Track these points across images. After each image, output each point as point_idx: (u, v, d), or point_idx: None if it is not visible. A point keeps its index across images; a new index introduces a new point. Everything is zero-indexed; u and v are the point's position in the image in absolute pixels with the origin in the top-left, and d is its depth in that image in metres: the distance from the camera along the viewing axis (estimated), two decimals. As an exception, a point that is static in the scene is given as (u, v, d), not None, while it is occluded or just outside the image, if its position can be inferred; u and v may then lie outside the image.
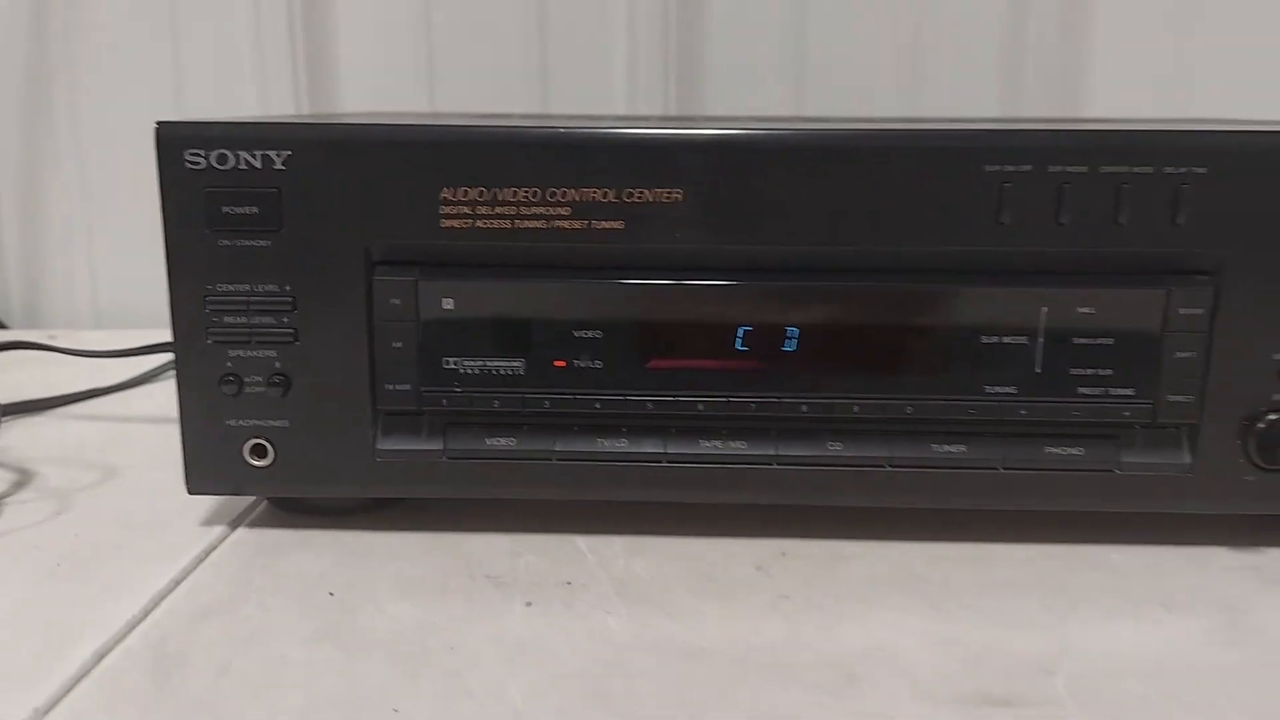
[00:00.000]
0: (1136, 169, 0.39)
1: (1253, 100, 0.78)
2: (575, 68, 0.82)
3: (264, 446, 0.44)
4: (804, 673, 0.35)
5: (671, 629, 0.38)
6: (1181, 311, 0.40)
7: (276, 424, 0.44)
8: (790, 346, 0.42)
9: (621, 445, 0.43)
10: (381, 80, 0.84)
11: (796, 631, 0.37)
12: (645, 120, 0.47)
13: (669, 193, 0.41)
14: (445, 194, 0.41)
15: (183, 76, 0.84)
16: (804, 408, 0.42)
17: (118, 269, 0.89)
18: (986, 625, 0.38)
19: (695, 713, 0.32)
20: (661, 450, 0.43)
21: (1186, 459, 0.42)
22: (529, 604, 0.39)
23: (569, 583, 0.41)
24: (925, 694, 0.34)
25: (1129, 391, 0.41)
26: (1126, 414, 0.42)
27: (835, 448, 0.43)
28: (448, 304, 0.42)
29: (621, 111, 0.82)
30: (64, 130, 0.86)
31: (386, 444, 0.44)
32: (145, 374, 0.70)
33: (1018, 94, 0.80)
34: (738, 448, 0.43)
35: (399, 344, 0.43)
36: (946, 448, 0.43)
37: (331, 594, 0.40)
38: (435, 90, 0.83)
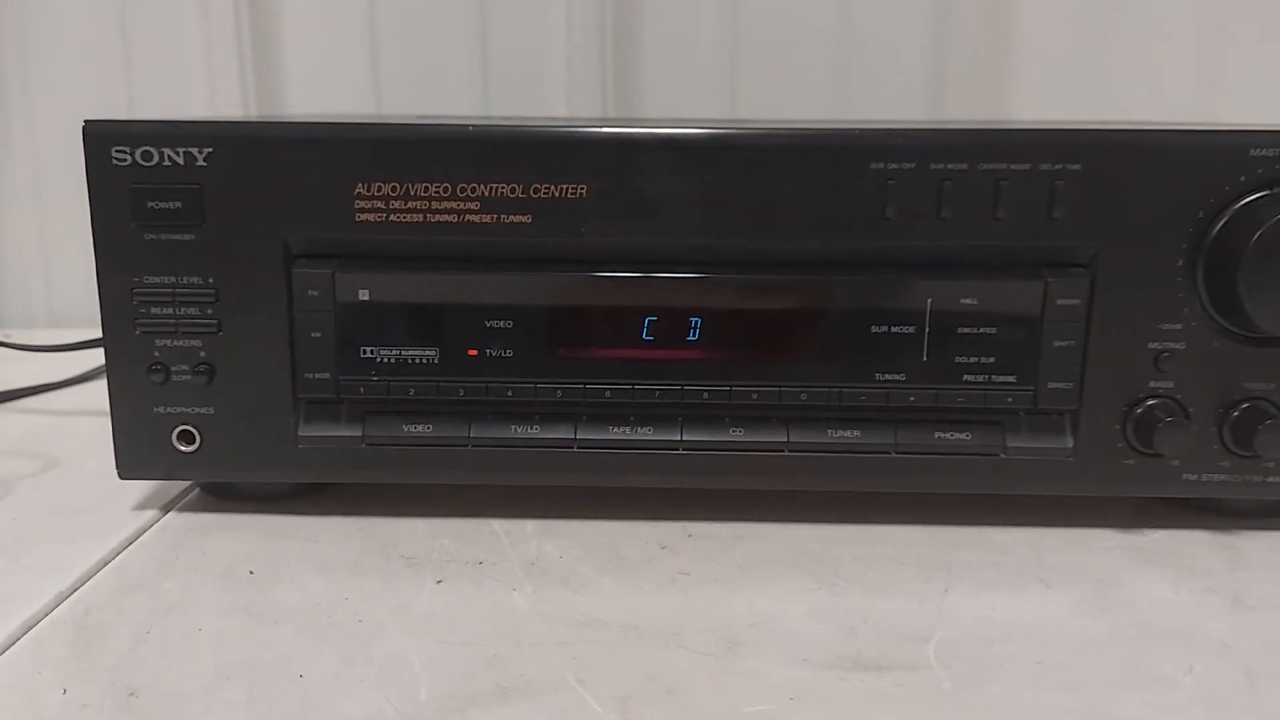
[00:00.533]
0: (1014, 166, 0.42)
1: (1170, 101, 0.82)
2: (515, 72, 0.84)
3: (191, 433, 0.45)
4: (692, 639, 0.37)
5: (572, 601, 0.39)
6: (1059, 302, 0.43)
7: (202, 411, 0.45)
8: (694, 336, 0.45)
9: (533, 431, 0.45)
10: (328, 83, 0.85)
11: (691, 603, 0.39)
12: (551, 120, 0.49)
13: (573, 188, 0.43)
14: (360, 189, 0.43)
15: (135, 80, 0.85)
16: (706, 394, 0.45)
17: (71, 269, 0.90)
18: (868, 597, 0.40)
19: (583, 673, 0.34)
20: (571, 436, 0.45)
21: (1069, 443, 0.45)
22: (439, 581, 0.41)
23: (480, 562, 0.43)
24: (803, 659, 0.36)
25: (1011, 379, 0.44)
26: (1010, 400, 0.44)
27: (737, 433, 0.45)
28: (364, 295, 0.44)
29: (561, 114, 0.84)
30: (18, 132, 0.87)
31: (308, 430, 0.46)
32: (93, 370, 0.71)
33: (943, 97, 0.83)
34: (644, 433, 0.45)
35: (318, 334, 0.44)
36: (841, 432, 0.45)
37: (251, 572, 0.42)
38: (381, 92, 0.85)
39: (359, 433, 0.45)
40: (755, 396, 0.44)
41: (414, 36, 0.84)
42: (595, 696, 0.33)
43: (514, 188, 0.43)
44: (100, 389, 0.70)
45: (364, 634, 0.37)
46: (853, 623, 0.38)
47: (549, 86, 0.84)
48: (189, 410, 0.45)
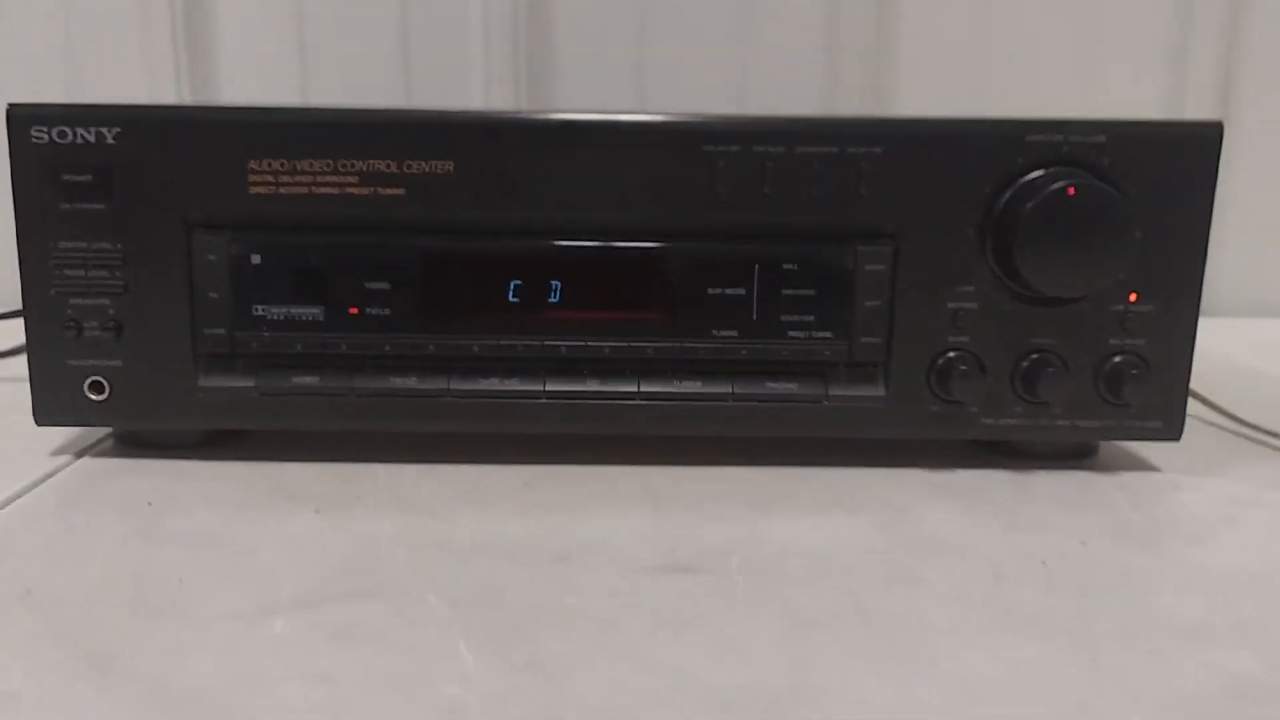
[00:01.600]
0: (825, 149, 0.48)
1: (1052, 92, 0.89)
2: (435, 66, 0.90)
3: (101, 383, 0.50)
4: (527, 555, 0.42)
5: (432, 527, 0.45)
6: (868, 267, 0.49)
7: (111, 364, 0.50)
8: (554, 298, 0.50)
9: (411, 383, 0.51)
10: (259, 75, 0.90)
11: (535, 529, 0.45)
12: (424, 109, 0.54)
13: (442, 165, 0.48)
14: (253, 165, 0.48)
15: (76, 73, 0.90)
16: (564, 349, 0.50)
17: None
18: (692, 523, 0.46)
19: (427, 580, 0.40)
20: (445, 387, 0.51)
21: (881, 391, 0.51)
22: (316, 511, 0.46)
23: (357, 497, 0.48)
24: (619, 567, 0.41)
25: (829, 334, 0.50)
26: (828, 353, 0.50)
27: (593, 383, 0.51)
28: (255, 259, 0.49)
29: (477, 105, 0.90)
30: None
31: (207, 381, 0.51)
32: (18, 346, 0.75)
33: (835, 86, 0.90)
34: (512, 384, 0.51)
35: (215, 294, 0.49)
36: (685, 383, 0.51)
37: (150, 504, 0.47)
38: (308, 84, 0.90)
39: (252, 383, 0.51)
40: (608, 351, 0.50)
41: (339, 37, 0.89)
42: (434, 596, 0.39)
43: (389, 164, 0.48)
44: (21, 362, 0.75)
45: (241, 550, 0.42)
46: (675, 542, 0.44)
47: (466, 82, 0.90)
48: (99, 363, 0.50)
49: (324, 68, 0.90)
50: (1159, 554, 0.44)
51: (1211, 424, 0.60)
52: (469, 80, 0.90)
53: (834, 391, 0.51)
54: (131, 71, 0.89)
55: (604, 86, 0.90)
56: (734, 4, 0.88)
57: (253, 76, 0.90)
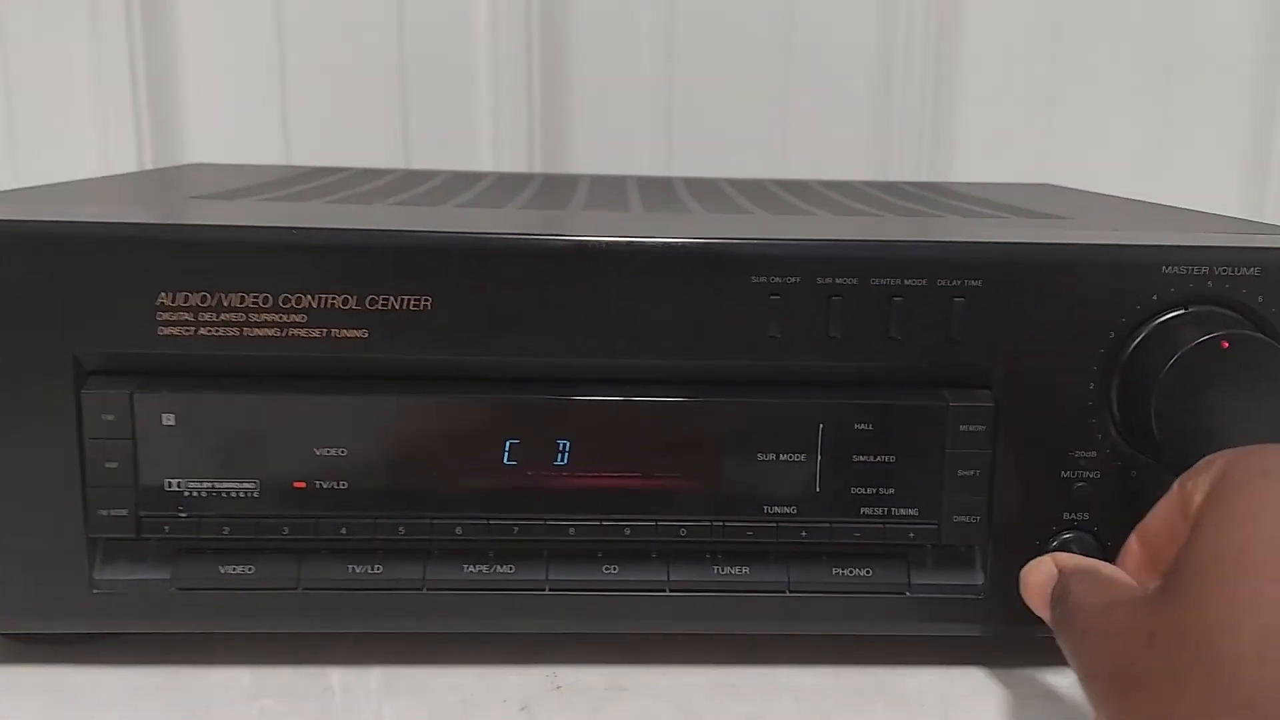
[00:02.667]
0: (908, 281, 0.37)
1: (1113, 163, 0.80)
2: (438, 120, 0.79)
3: (-35, 578, 0.39)
4: None
5: (401, 796, 0.34)
6: (962, 428, 0.38)
7: (-21, 553, 0.38)
8: (561, 461, 0.39)
9: (375, 572, 0.39)
10: (232, 138, 0.79)
11: (542, 794, 0.34)
12: (388, 224, 0.43)
13: (416, 300, 0.37)
14: (163, 299, 0.37)
15: (17, 130, 0.78)
16: (573, 530, 0.39)
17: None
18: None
19: None
20: (420, 576, 0.39)
21: (979, 580, 0.40)
22: (243, 768, 0.35)
23: (300, 735, 0.37)
24: None
25: (913, 511, 0.39)
26: (912, 535, 0.39)
27: (611, 571, 0.40)
28: (168, 420, 0.38)
29: (488, 167, 0.79)
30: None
31: (105, 574, 0.39)
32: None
33: (886, 150, 0.80)
34: (505, 572, 0.40)
35: (113, 464, 0.38)
36: (728, 570, 0.40)
37: (19, 758, 0.35)
38: (291, 144, 0.79)
39: (167, 575, 0.39)
40: (628, 531, 0.39)
41: (327, 89, 0.78)
42: None
43: (347, 299, 0.37)
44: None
45: None
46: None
47: (474, 138, 0.79)
48: (-38, 552, 0.38)
49: (310, 124, 0.79)
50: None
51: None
52: (476, 136, 0.79)
53: (919, 580, 0.40)
54: (82, 130, 0.78)
55: (626, 144, 0.79)
56: (770, 60, 0.78)
57: (225, 127, 0.79)
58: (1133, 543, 0.35)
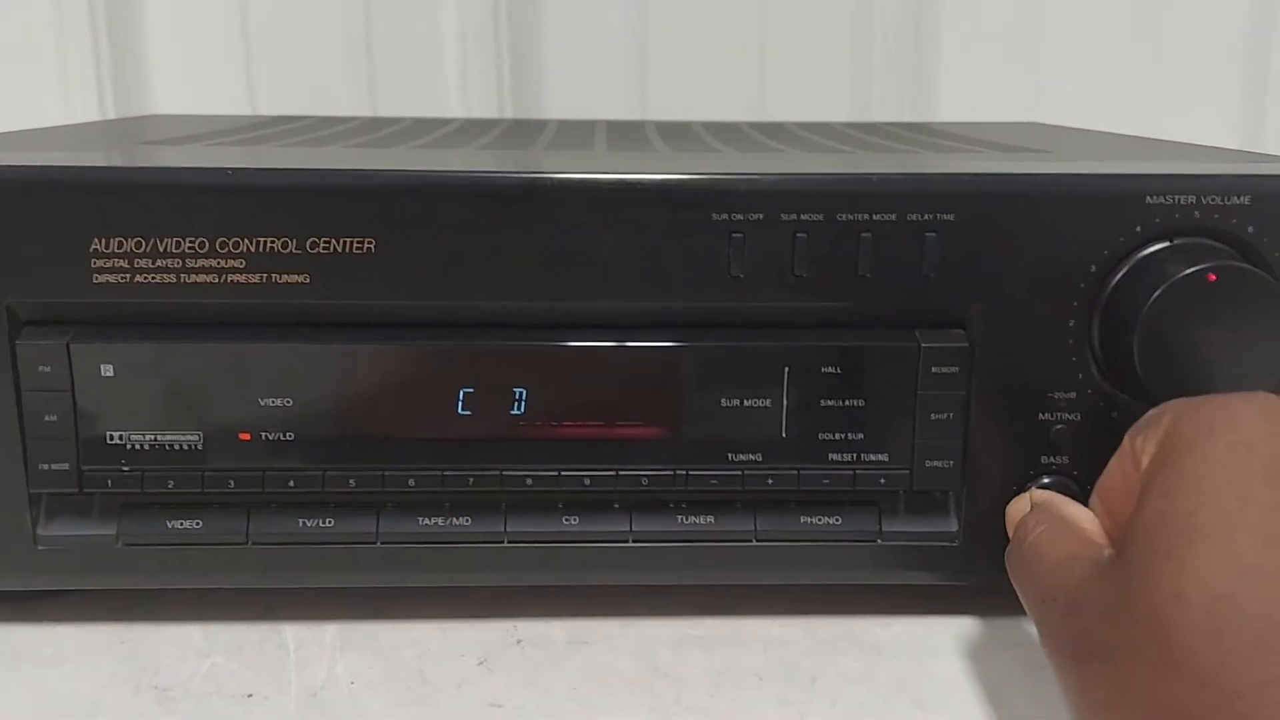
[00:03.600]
0: (877, 216, 0.35)
1: (1098, 100, 0.77)
2: (404, 68, 0.77)
3: (-96, 536, 0.37)
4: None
5: (348, 755, 0.33)
6: (935, 369, 0.37)
7: (-83, 510, 0.37)
8: (518, 410, 0.38)
9: (327, 526, 0.38)
10: (196, 82, 0.77)
11: (493, 752, 0.33)
12: (330, 164, 0.41)
13: (359, 242, 0.36)
14: (96, 245, 0.35)
15: None
16: (530, 480, 0.38)
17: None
18: (710, 736, 0.34)
19: None
20: (373, 530, 0.38)
21: (953, 527, 0.39)
22: (186, 729, 0.34)
23: (249, 695, 0.35)
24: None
25: (883, 457, 0.38)
26: (882, 481, 0.38)
27: (572, 522, 0.39)
28: (107, 370, 0.36)
29: (456, 114, 0.77)
30: None
31: (49, 530, 0.38)
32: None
33: (867, 85, 0.78)
34: (462, 524, 0.39)
35: (52, 417, 0.36)
36: (693, 519, 0.39)
37: (-41, 717, 0.34)
38: (256, 94, 0.77)
39: (113, 531, 0.38)
40: (588, 482, 0.38)
41: (292, 33, 0.76)
42: None
43: (286, 242, 0.35)
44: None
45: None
46: (684, 777, 0.32)
47: (441, 84, 0.77)
48: (-100, 509, 0.37)
49: (274, 70, 0.76)
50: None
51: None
52: (445, 84, 0.77)
53: (891, 527, 0.39)
54: (44, 75, 0.75)
55: (600, 90, 0.77)
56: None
57: (189, 78, 0.76)
58: (1095, 503, 0.34)
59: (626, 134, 0.57)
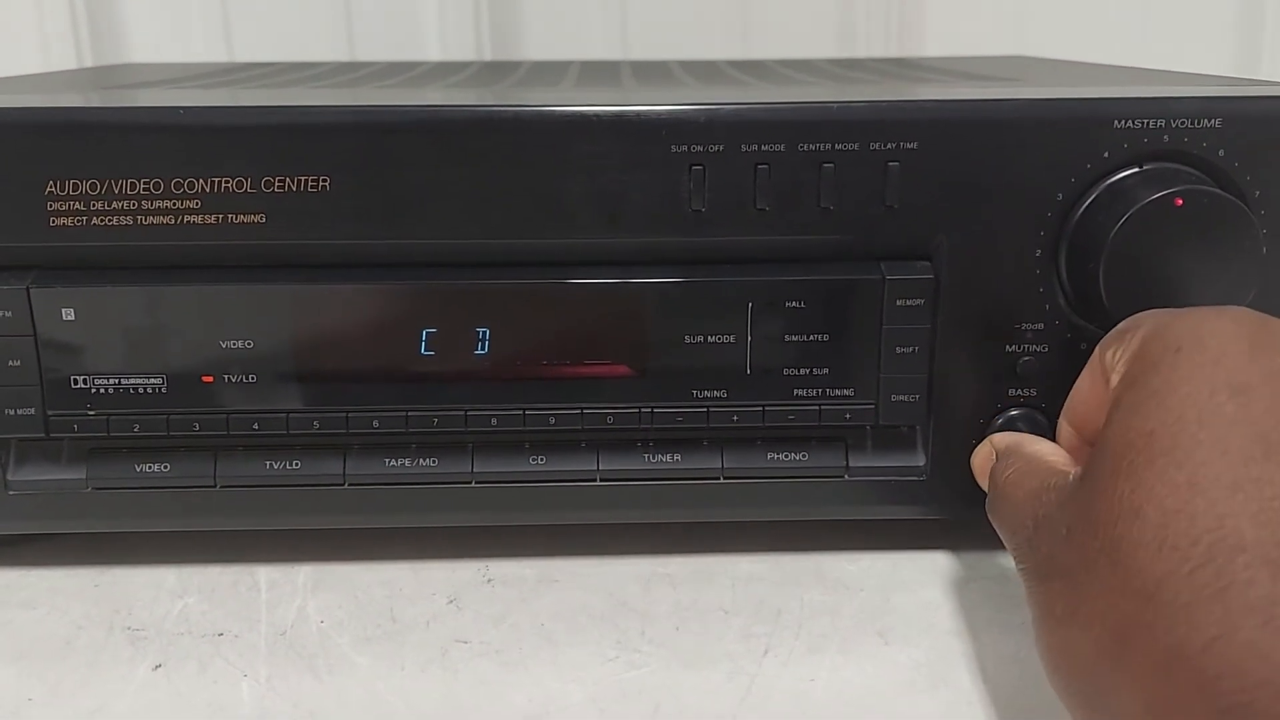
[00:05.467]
0: (839, 145, 0.35)
1: (1091, 35, 0.76)
2: (382, 13, 0.76)
3: (-124, 483, 0.38)
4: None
5: (310, 691, 0.33)
6: (899, 302, 0.36)
7: (-113, 457, 0.38)
8: (481, 350, 0.38)
9: (294, 468, 0.38)
10: (174, 32, 0.76)
11: (455, 691, 0.33)
12: (284, 100, 0.41)
13: (314, 180, 0.35)
14: (51, 188, 0.35)
15: None
16: (495, 420, 0.38)
17: None
18: (671, 670, 0.33)
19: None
20: (340, 471, 0.38)
21: (920, 461, 0.39)
22: (157, 666, 0.34)
23: (220, 634, 0.36)
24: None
25: (849, 391, 0.37)
26: (848, 416, 0.37)
27: (539, 462, 0.39)
28: (68, 314, 0.36)
29: (435, 57, 0.76)
30: None
31: (19, 475, 0.38)
32: None
33: (852, 22, 0.76)
34: (429, 465, 0.39)
35: (15, 362, 0.36)
36: (658, 458, 0.39)
37: (-68, 658, 0.35)
38: (233, 41, 0.76)
39: (82, 475, 0.38)
40: (553, 421, 0.38)
41: None
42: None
43: (241, 181, 0.35)
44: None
45: (40, 748, 0.30)
46: (641, 712, 0.32)
47: (419, 25, 0.75)
48: None
49: (251, 16, 0.75)
50: None
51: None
52: (422, 28, 0.76)
53: (858, 462, 0.39)
54: (20, 26, 0.74)
55: (580, 30, 0.76)
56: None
57: (166, 27, 0.76)
58: (1063, 425, 0.33)
59: (598, 73, 0.56)
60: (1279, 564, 0.22)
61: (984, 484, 0.34)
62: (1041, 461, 0.31)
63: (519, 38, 0.76)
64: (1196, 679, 0.22)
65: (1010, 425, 0.38)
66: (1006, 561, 0.39)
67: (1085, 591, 0.25)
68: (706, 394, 0.37)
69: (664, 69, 0.59)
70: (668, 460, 0.38)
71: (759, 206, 0.35)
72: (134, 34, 0.76)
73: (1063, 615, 0.26)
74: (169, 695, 0.32)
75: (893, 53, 0.77)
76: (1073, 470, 0.29)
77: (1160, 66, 0.60)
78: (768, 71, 0.57)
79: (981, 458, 0.35)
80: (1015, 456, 0.32)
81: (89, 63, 0.75)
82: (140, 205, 0.35)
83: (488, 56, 0.76)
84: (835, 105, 0.35)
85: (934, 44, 0.77)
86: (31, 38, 0.75)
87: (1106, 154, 0.35)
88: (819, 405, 0.37)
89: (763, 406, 0.37)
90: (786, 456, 0.38)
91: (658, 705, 0.32)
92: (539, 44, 0.77)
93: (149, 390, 0.37)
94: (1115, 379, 0.29)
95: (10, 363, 0.36)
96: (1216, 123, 0.35)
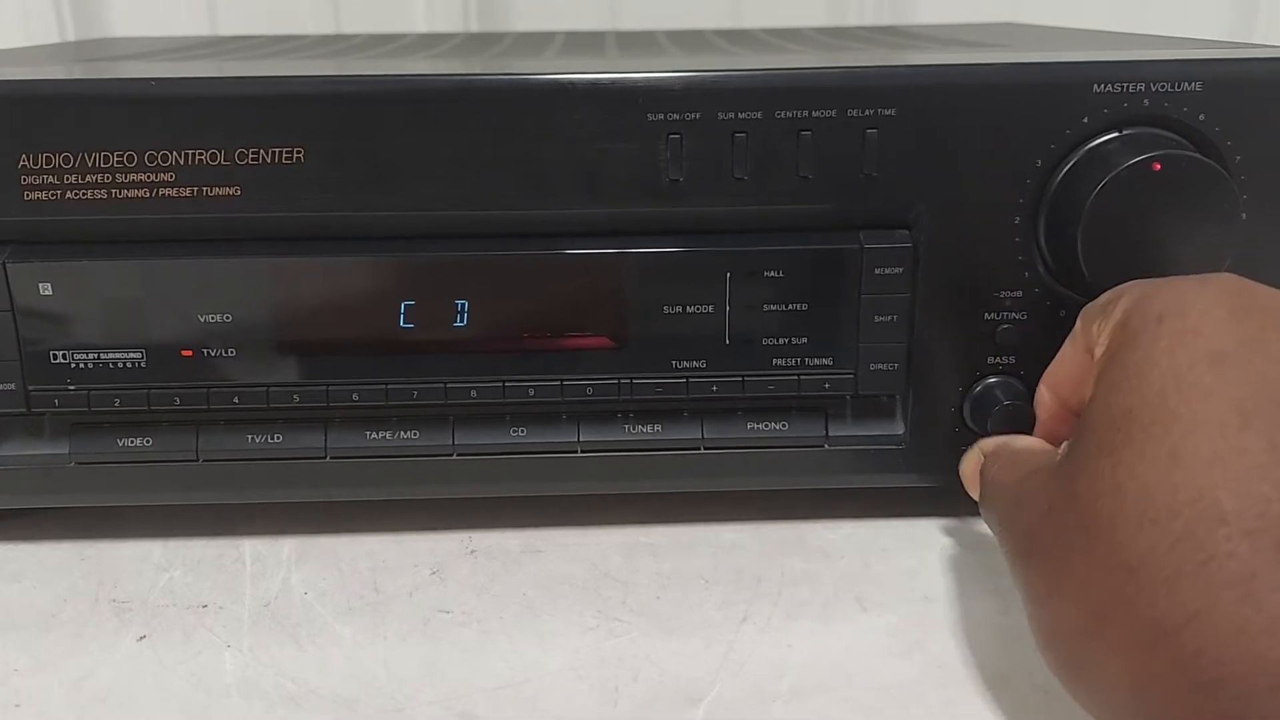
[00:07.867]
0: (816, 113, 0.35)
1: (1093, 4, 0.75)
2: None
3: None
4: (418, 713, 0.31)
5: (291, 662, 0.33)
6: (878, 271, 0.36)
7: None
8: (460, 322, 0.37)
9: (276, 441, 0.38)
10: (156, 6, 0.75)
11: (436, 658, 0.33)
12: (256, 72, 0.40)
13: (288, 152, 0.35)
14: (25, 161, 0.35)
15: None
16: (474, 392, 0.38)
17: None
18: (650, 638, 0.34)
19: None
20: (321, 444, 0.38)
21: (899, 430, 0.39)
22: (142, 638, 0.34)
23: (205, 605, 0.36)
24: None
25: (828, 360, 0.37)
26: (827, 385, 0.38)
27: (520, 434, 0.39)
28: (45, 289, 0.36)
29: (421, 29, 0.75)
30: None
31: (2, 450, 0.38)
32: None
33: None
34: (410, 438, 0.39)
35: (-7, 337, 0.37)
36: (640, 428, 0.39)
37: (-83, 632, 0.35)
38: (217, 16, 0.75)
39: (65, 450, 0.38)
40: (533, 393, 0.38)
41: None
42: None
43: (215, 154, 0.35)
44: None
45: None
46: (620, 679, 0.32)
47: (406, 3, 0.75)
48: None
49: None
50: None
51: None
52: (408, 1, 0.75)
53: (837, 432, 0.39)
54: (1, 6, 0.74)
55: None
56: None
57: (148, 2, 0.75)
58: (1042, 392, 0.33)
59: (582, 43, 0.55)
60: (1259, 535, 0.22)
61: (973, 492, 0.34)
62: (1027, 454, 0.31)
63: (506, 9, 0.76)
64: (1176, 654, 0.22)
65: (989, 393, 0.38)
66: (984, 529, 0.39)
67: (1066, 568, 0.25)
68: (686, 364, 0.37)
69: (650, 39, 0.58)
70: (648, 431, 0.39)
71: (737, 175, 0.35)
72: (116, 9, 0.75)
73: (1045, 594, 0.26)
74: (153, 665, 0.33)
75: (885, 20, 0.76)
76: (1060, 435, 0.29)
77: (1156, 33, 0.60)
78: (754, 40, 0.56)
79: (971, 464, 0.35)
80: (1002, 452, 0.32)
81: (71, 36, 0.75)
82: (114, 178, 0.35)
83: (474, 28, 0.76)
84: (811, 71, 0.35)
85: (927, 11, 0.76)
86: (13, 12, 0.74)
87: (1085, 119, 0.35)
88: (798, 375, 0.37)
89: (742, 377, 0.37)
90: (766, 426, 0.38)
91: (636, 672, 0.32)
92: (527, 15, 0.76)
93: (129, 365, 0.37)
94: (1099, 351, 0.28)
95: (-11, 338, 0.37)
96: (1196, 86, 0.35)
